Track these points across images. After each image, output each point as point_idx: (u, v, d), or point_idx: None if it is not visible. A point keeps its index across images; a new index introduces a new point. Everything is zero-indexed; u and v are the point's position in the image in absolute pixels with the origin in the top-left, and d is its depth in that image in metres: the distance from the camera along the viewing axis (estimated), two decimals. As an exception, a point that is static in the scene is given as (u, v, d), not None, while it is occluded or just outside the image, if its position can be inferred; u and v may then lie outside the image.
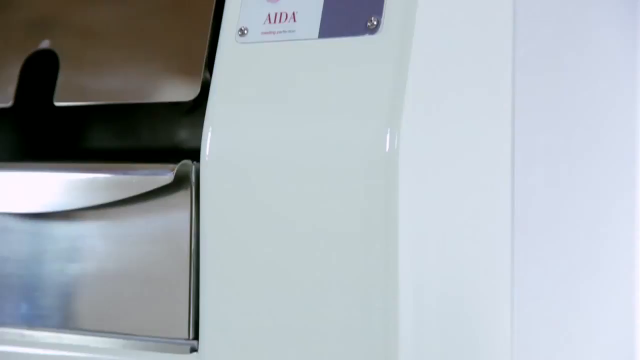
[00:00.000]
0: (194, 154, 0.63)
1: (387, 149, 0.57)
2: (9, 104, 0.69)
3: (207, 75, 0.63)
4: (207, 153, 0.61)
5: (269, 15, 0.61)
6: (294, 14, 0.61)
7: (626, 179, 0.88)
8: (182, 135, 0.78)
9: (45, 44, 0.69)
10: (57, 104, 0.67)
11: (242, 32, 0.62)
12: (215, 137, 0.61)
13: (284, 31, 0.60)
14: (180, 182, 0.62)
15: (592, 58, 0.80)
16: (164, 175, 0.62)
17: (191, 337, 0.62)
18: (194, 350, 0.62)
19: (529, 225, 0.68)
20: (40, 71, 0.70)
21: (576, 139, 0.77)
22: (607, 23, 0.84)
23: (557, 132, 0.73)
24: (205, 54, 0.63)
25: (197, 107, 0.66)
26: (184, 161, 0.62)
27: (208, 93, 0.63)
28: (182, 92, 0.63)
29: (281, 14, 0.61)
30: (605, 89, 0.84)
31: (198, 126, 0.64)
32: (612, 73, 0.86)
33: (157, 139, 0.79)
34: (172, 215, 0.63)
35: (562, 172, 0.74)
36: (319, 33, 0.60)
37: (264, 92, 0.60)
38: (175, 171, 0.61)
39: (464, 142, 0.63)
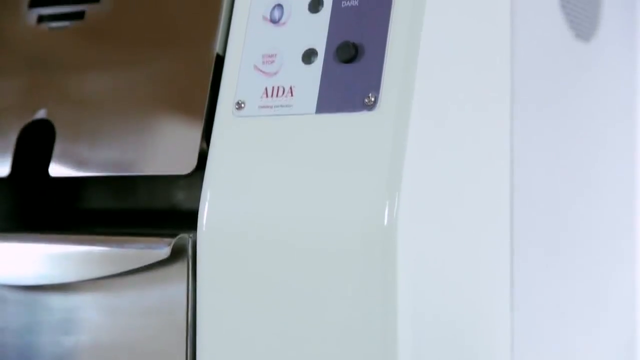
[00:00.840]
0: (192, 216, 0.63)
1: (385, 223, 0.56)
2: (5, 173, 0.69)
3: (204, 145, 0.63)
4: (204, 226, 0.61)
5: (266, 89, 0.61)
6: (291, 88, 0.60)
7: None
8: (180, 196, 0.77)
9: (41, 114, 0.69)
10: (53, 175, 0.67)
11: (239, 106, 0.62)
12: (211, 211, 0.60)
13: (281, 106, 0.60)
14: (176, 255, 0.62)
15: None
16: (160, 249, 0.61)
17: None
18: None
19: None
20: (36, 141, 0.69)
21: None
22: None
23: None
24: (202, 125, 0.63)
25: (195, 171, 0.66)
26: (181, 235, 0.61)
27: (205, 160, 0.63)
28: (178, 164, 0.63)
29: (278, 88, 0.61)
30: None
31: (196, 187, 0.64)
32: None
33: (154, 200, 0.78)
34: (169, 288, 0.62)
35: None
36: (317, 108, 0.59)
37: (261, 167, 0.60)
38: (171, 245, 0.61)
39: (463, 207, 0.62)
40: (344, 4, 0.60)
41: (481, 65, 0.65)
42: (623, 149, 0.90)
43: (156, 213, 0.79)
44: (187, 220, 0.66)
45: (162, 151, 0.64)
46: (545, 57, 0.75)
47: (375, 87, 0.58)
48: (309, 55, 0.61)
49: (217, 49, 0.64)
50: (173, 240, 0.61)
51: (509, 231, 0.68)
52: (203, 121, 0.63)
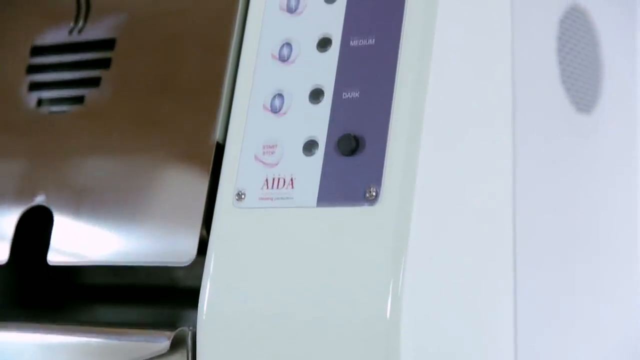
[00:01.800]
0: (191, 293, 0.62)
1: (388, 316, 0.56)
2: (4, 259, 0.68)
3: (204, 232, 0.63)
4: (204, 317, 0.60)
5: (266, 179, 0.61)
6: (292, 179, 0.60)
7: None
8: (179, 273, 0.77)
9: (39, 200, 0.69)
10: (51, 262, 0.66)
11: (239, 197, 0.61)
12: (211, 303, 0.60)
13: (282, 198, 0.60)
14: (176, 348, 0.61)
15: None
16: (160, 342, 0.60)
17: None
18: None
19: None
20: (34, 227, 0.69)
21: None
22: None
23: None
24: (203, 215, 0.62)
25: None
26: (181, 328, 0.61)
27: (205, 245, 0.63)
28: (178, 254, 0.62)
29: (279, 179, 0.60)
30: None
31: (196, 265, 0.63)
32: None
33: (154, 277, 0.78)
34: (168, 379, 0.62)
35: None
36: (317, 201, 0.59)
37: (262, 259, 0.59)
38: (171, 339, 0.60)
39: (467, 295, 0.62)
40: (345, 95, 0.60)
41: (483, 148, 0.65)
42: (625, 213, 0.90)
43: (156, 289, 0.79)
44: (187, 297, 0.65)
45: (162, 240, 0.64)
46: (547, 132, 0.75)
47: (377, 180, 0.57)
48: (309, 147, 0.60)
49: (217, 137, 0.64)
50: (172, 334, 0.61)
51: (513, 307, 0.67)
52: (203, 210, 0.62)
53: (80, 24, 0.72)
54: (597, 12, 0.84)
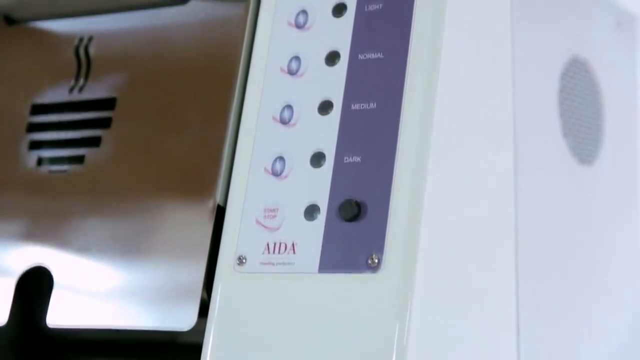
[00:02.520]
0: (192, 348, 0.61)
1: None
2: (2, 322, 0.68)
3: (205, 295, 0.62)
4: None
5: (267, 244, 0.60)
6: (293, 245, 0.60)
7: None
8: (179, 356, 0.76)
9: (38, 261, 0.68)
10: (50, 325, 0.66)
11: (240, 261, 0.61)
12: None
13: (283, 263, 0.59)
14: None
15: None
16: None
17: None
18: None
19: None
20: (33, 289, 0.68)
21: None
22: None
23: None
24: (204, 279, 0.62)
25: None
26: None
27: (206, 306, 0.62)
28: (178, 319, 0.62)
29: (280, 244, 0.60)
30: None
31: (197, 323, 0.63)
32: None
33: (154, 333, 0.77)
34: None
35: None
36: (319, 267, 0.58)
37: (264, 325, 0.59)
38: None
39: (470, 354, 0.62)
40: (347, 159, 0.60)
41: (485, 207, 0.65)
42: (627, 264, 0.90)
43: (156, 345, 0.78)
44: (188, 353, 0.65)
45: (162, 304, 0.63)
46: (548, 186, 0.75)
47: (379, 248, 0.57)
48: (311, 211, 0.60)
49: (218, 199, 0.64)
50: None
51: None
52: (204, 274, 0.62)
53: (81, 81, 0.72)
54: (597, 60, 0.84)
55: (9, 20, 0.77)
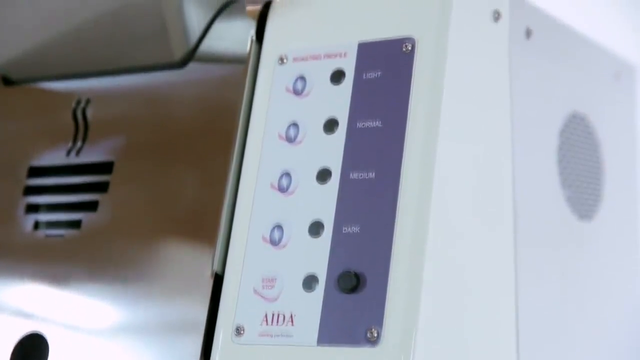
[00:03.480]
0: None
1: None
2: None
3: (203, 363, 0.62)
4: None
5: (265, 315, 0.60)
6: (291, 316, 0.59)
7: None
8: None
9: (34, 327, 0.67)
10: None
11: (238, 332, 0.60)
12: None
13: (282, 335, 0.59)
14: None
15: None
16: None
17: None
18: None
19: None
20: (29, 356, 0.67)
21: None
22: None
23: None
24: (201, 348, 0.61)
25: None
26: None
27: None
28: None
29: (278, 315, 0.59)
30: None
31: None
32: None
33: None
34: None
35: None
36: (318, 340, 0.58)
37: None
38: None
39: None
40: (345, 229, 0.59)
41: (486, 273, 0.64)
42: (628, 320, 0.89)
43: None
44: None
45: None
46: (548, 244, 0.74)
47: (378, 321, 0.56)
48: (309, 282, 0.59)
49: (216, 268, 0.63)
50: None
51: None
52: (202, 345, 0.61)
53: (79, 144, 0.72)
54: (596, 114, 0.84)
55: (7, 81, 0.77)
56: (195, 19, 0.68)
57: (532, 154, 0.72)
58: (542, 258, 0.73)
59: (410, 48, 0.61)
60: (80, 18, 0.70)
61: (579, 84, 0.82)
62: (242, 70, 0.66)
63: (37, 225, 0.71)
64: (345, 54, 0.63)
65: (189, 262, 0.64)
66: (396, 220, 0.58)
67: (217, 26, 0.70)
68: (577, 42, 0.83)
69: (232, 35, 0.69)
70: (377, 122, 0.61)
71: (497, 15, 0.67)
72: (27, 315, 0.69)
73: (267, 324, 0.59)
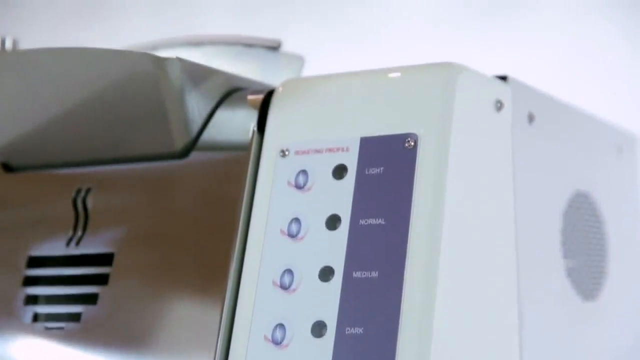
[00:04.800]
0: None
1: None
2: None
3: None
4: None
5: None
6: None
7: None
8: None
9: None
10: None
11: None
12: None
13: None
14: None
15: None
16: None
17: None
18: None
19: None
20: None
21: None
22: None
23: None
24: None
25: None
26: None
27: None
28: None
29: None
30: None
31: None
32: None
33: None
34: None
35: None
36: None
37: None
38: None
39: None
40: (348, 330, 0.58)
41: (492, 351, 0.63)
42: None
43: None
44: None
45: None
46: (553, 326, 0.73)
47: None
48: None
49: (217, 363, 0.62)
50: None
51: None
52: None
53: (79, 234, 0.71)
54: (600, 192, 0.84)
55: (7, 168, 0.77)
56: (197, 109, 0.68)
57: (535, 240, 0.72)
58: (547, 339, 0.72)
59: (412, 144, 0.61)
60: (80, 106, 0.70)
61: (582, 163, 0.82)
62: (244, 160, 0.66)
63: (36, 317, 0.70)
64: (347, 149, 0.63)
65: (190, 356, 0.64)
66: (400, 321, 0.57)
67: (219, 115, 0.69)
68: (578, 120, 0.82)
69: (234, 124, 0.69)
70: (380, 220, 0.60)
71: (499, 105, 0.67)
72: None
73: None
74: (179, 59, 0.65)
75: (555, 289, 0.75)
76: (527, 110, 0.72)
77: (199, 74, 0.67)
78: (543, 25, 1.18)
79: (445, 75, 0.62)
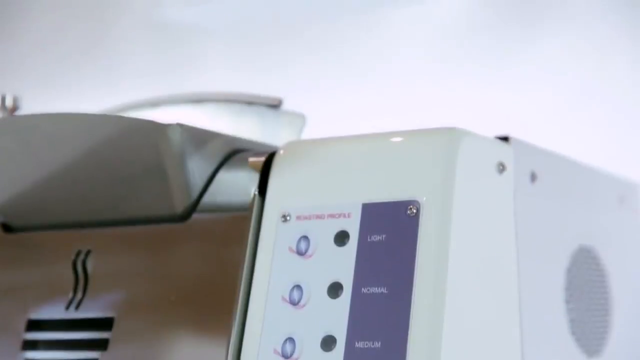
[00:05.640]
0: None
1: None
2: None
3: None
4: None
5: None
6: None
7: None
8: None
9: None
10: None
11: None
12: None
13: None
14: None
15: None
16: None
17: None
18: None
19: None
20: None
21: None
22: None
23: None
24: None
25: None
26: None
27: None
28: None
29: None
30: None
31: None
32: None
33: None
34: None
35: None
36: None
37: None
38: None
39: None
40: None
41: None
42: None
43: None
44: None
45: None
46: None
47: None
48: None
49: None
50: None
51: None
52: None
53: (79, 296, 0.70)
54: (603, 245, 0.83)
55: (7, 229, 0.77)
56: (198, 172, 0.68)
57: (538, 299, 0.71)
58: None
59: (415, 211, 0.61)
60: (80, 169, 0.70)
61: (584, 217, 0.81)
62: (245, 223, 0.66)
63: (37, 366, 0.70)
64: (349, 215, 0.63)
65: None
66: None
67: (220, 177, 0.69)
68: (580, 174, 0.82)
69: (235, 186, 0.69)
70: (383, 289, 0.60)
71: (501, 168, 0.67)
72: None
73: None
74: (180, 125, 0.65)
75: (559, 346, 0.74)
76: (530, 169, 0.71)
77: (199, 138, 0.67)
78: (542, 64, 1.18)
79: (448, 141, 0.62)
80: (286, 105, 0.83)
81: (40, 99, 0.75)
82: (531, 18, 1.19)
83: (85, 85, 1.46)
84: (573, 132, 1.11)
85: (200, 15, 1.35)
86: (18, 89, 0.85)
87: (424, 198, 0.61)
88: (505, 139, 0.69)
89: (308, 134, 0.84)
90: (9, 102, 0.78)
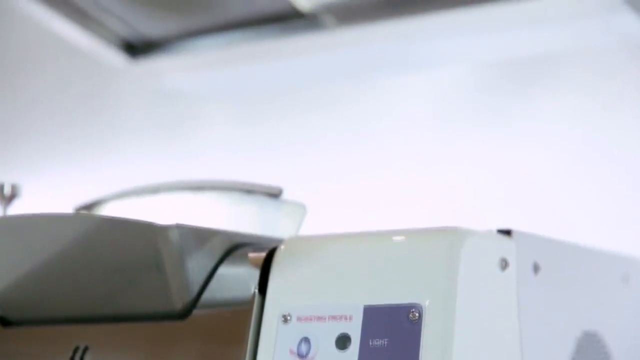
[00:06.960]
0: None
1: None
2: None
3: None
4: None
5: None
6: None
7: None
8: None
9: None
10: None
11: None
12: None
13: None
14: None
15: None
16: None
17: None
18: None
19: None
20: None
21: None
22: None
23: None
24: None
25: None
26: None
27: None
28: None
29: None
30: None
31: None
32: None
33: None
34: None
35: None
36: None
37: None
38: None
39: None
40: None
41: None
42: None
43: None
44: None
45: None
46: None
47: None
48: None
49: None
50: None
51: None
52: None
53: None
54: (607, 327, 0.82)
55: (5, 322, 0.76)
56: (197, 270, 0.67)
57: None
58: None
59: (417, 316, 0.60)
60: (78, 266, 0.69)
61: (588, 302, 0.80)
62: (245, 320, 0.65)
63: None
64: (350, 318, 0.62)
65: None
66: None
67: (220, 274, 0.68)
68: (582, 258, 0.81)
69: (235, 282, 0.68)
70: (385, 397, 0.59)
71: (504, 264, 0.66)
72: None
73: None
74: (179, 227, 0.64)
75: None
76: (532, 261, 0.71)
77: (199, 237, 0.67)
78: (544, 123, 1.18)
79: (450, 243, 0.61)
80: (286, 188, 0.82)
81: (40, 187, 0.74)
82: (527, 82, 1.20)
83: (84, 172, 1.45)
84: (574, 188, 1.11)
85: (200, 84, 1.35)
86: (17, 177, 0.85)
87: (427, 302, 0.60)
88: (507, 232, 0.69)
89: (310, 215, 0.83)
90: (7, 191, 0.78)
